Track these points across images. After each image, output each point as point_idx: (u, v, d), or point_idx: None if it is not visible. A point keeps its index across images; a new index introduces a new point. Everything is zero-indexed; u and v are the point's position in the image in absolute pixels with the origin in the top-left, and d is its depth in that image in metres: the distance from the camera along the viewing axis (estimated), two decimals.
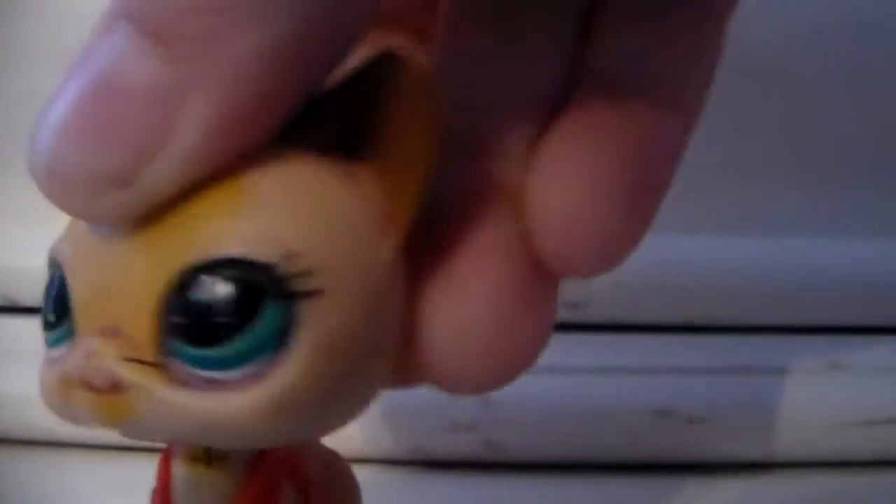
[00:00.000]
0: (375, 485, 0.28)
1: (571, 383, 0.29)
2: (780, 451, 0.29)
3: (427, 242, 0.15)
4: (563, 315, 0.32)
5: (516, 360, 0.17)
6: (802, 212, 0.32)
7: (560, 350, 0.31)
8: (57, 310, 0.14)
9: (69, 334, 0.14)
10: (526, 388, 0.29)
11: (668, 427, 0.29)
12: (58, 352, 0.14)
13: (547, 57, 0.16)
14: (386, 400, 0.29)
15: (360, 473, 0.29)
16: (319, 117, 0.14)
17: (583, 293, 0.32)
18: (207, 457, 0.15)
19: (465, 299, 0.15)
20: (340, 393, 0.14)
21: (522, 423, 0.28)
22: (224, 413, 0.13)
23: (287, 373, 0.13)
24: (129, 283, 0.13)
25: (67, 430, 0.28)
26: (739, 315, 0.32)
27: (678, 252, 0.32)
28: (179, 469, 0.15)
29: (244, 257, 0.13)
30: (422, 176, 0.14)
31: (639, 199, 0.16)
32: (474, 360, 0.16)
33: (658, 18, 0.17)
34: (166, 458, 0.15)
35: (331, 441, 0.28)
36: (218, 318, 0.13)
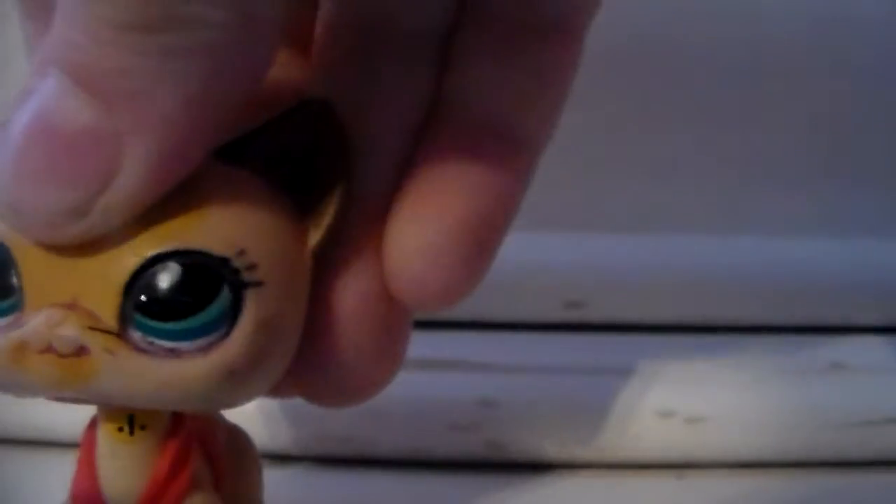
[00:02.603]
0: (375, 485, 0.28)
1: (571, 383, 0.29)
2: (779, 451, 0.29)
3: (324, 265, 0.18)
4: (563, 315, 0.33)
5: (371, 386, 0.19)
6: (802, 212, 0.32)
7: (560, 350, 0.31)
8: (1, 285, 0.16)
9: (13, 309, 0.16)
10: (526, 388, 0.30)
11: (668, 427, 0.29)
12: None
13: (410, 85, 0.19)
14: (386, 400, 0.30)
15: (361, 474, 0.29)
16: (257, 143, 0.17)
17: (583, 293, 0.32)
18: (130, 427, 0.17)
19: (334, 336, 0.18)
20: (268, 365, 0.16)
21: (522, 423, 0.28)
22: (179, 376, 0.15)
23: (233, 346, 0.16)
24: (94, 266, 0.15)
25: (67, 431, 0.28)
26: (739, 315, 0.32)
27: (678, 252, 0.32)
28: (103, 439, 0.17)
29: (204, 250, 0.15)
30: (337, 204, 0.17)
31: (480, 245, 0.18)
32: (331, 391, 0.18)
33: (506, 45, 0.19)
34: (91, 428, 0.17)
35: (331, 442, 0.28)
36: (181, 298, 0.15)
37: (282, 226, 0.17)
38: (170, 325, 0.15)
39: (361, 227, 0.18)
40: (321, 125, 0.17)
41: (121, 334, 0.15)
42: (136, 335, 0.15)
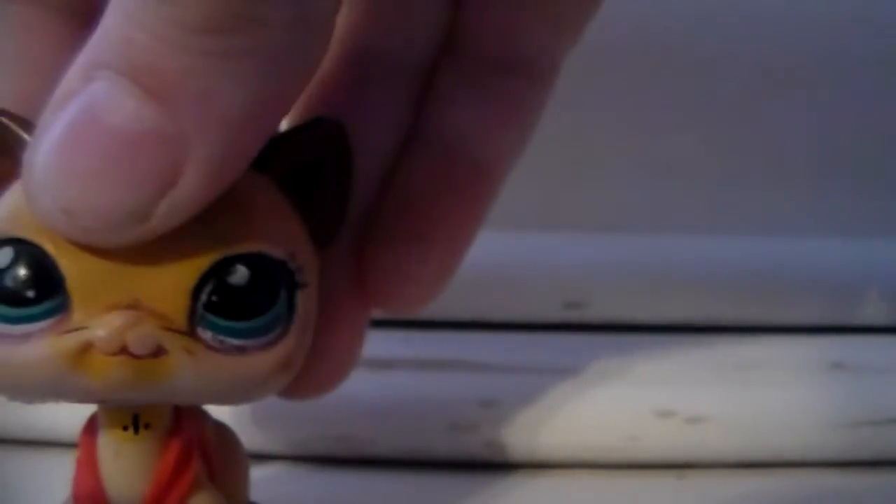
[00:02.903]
0: (374, 485, 0.28)
1: (571, 383, 0.29)
2: (779, 451, 0.29)
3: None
4: (563, 315, 0.33)
5: (337, 380, 0.20)
6: (803, 212, 0.32)
7: (560, 350, 0.31)
8: (38, 286, 0.15)
9: (56, 311, 0.15)
10: (526, 388, 0.30)
11: (668, 427, 0.29)
12: (35, 327, 0.15)
13: (391, 113, 0.20)
14: (386, 400, 0.30)
15: (361, 474, 0.29)
16: (277, 151, 0.17)
17: (583, 293, 0.32)
18: (135, 426, 0.17)
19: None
20: (302, 359, 0.17)
21: (522, 423, 0.29)
22: (245, 372, 0.16)
23: (289, 342, 0.17)
24: (155, 268, 0.15)
25: (67, 431, 0.28)
26: (739, 315, 0.32)
27: (678, 252, 0.32)
28: (106, 439, 0.17)
29: (267, 253, 0.16)
30: (342, 216, 0.19)
31: (446, 262, 0.20)
32: (301, 386, 0.19)
33: (482, 79, 0.20)
34: (89, 431, 0.17)
35: (330, 442, 0.28)
36: (252, 298, 0.16)
37: (303, 230, 0.18)
38: (241, 324, 0.16)
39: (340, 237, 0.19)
40: (332, 141, 0.18)
41: (190, 334, 0.16)
42: (206, 334, 0.16)
